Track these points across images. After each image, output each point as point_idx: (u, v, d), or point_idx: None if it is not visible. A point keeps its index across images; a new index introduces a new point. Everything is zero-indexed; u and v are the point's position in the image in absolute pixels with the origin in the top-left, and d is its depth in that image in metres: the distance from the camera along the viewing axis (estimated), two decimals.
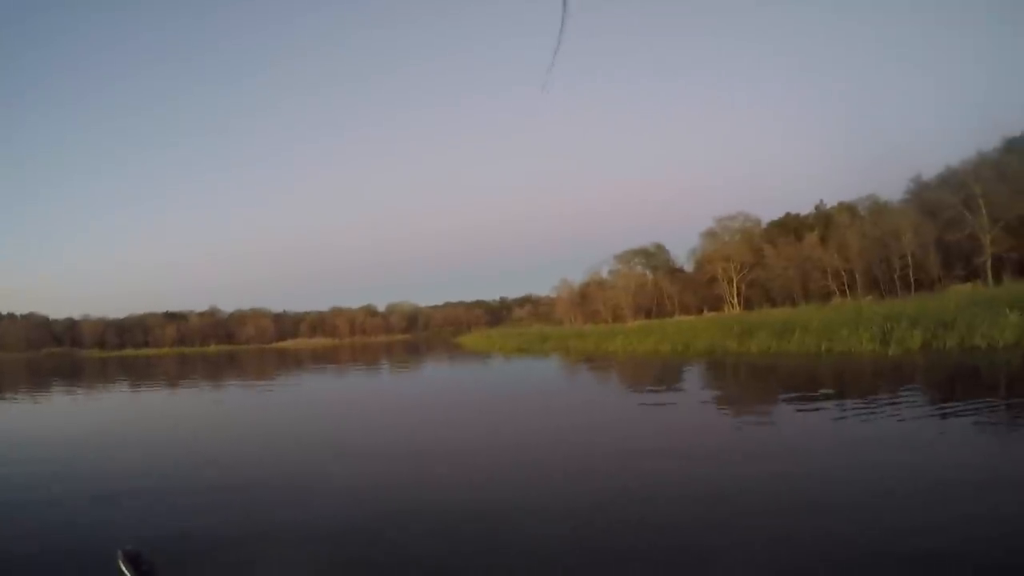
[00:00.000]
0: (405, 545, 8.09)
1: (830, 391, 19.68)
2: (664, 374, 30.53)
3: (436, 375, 43.21)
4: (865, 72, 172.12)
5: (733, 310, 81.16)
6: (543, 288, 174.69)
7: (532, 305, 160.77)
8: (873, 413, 15.18)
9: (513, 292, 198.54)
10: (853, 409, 16.16)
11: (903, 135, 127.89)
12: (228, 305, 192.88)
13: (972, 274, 60.19)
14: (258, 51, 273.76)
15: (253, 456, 14.96)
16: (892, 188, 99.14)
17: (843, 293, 69.62)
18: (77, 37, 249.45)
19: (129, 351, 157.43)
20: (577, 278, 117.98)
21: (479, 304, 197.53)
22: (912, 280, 62.83)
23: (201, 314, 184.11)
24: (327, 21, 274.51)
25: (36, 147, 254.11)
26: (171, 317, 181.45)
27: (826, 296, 70.86)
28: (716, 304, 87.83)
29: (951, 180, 65.13)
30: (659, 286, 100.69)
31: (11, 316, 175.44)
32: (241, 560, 7.94)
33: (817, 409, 16.65)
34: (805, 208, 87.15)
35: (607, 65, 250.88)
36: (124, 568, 2.98)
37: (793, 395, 19.97)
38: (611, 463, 11.88)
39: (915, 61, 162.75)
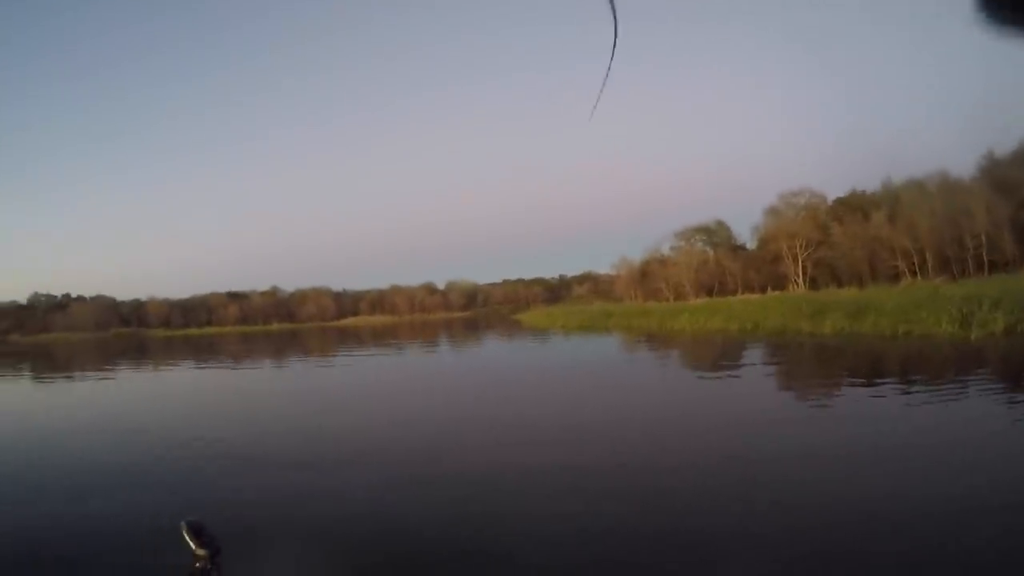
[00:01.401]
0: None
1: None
2: (739, 354, 30.60)
3: (501, 354, 43.71)
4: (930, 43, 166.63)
5: (798, 289, 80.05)
6: (602, 265, 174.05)
7: (592, 282, 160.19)
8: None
9: (572, 269, 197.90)
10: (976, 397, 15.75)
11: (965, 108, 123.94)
12: (289, 284, 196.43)
13: None
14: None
15: (331, 432, 15.77)
16: (963, 164, 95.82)
17: (913, 274, 68.11)
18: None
19: (193, 330, 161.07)
20: (637, 255, 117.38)
21: (538, 281, 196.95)
22: (986, 261, 61.28)
23: (263, 293, 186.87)
24: None
25: (98, 131, 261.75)
26: (233, 297, 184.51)
27: (895, 277, 69.47)
28: (780, 283, 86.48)
29: None
30: (721, 264, 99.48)
31: (80, 298, 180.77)
32: (299, 535, 8.51)
33: (928, 402, 15.87)
34: (871, 185, 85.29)
35: (662, 44, 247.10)
36: (188, 538, 3.29)
37: (886, 381, 19.55)
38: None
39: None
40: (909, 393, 16.82)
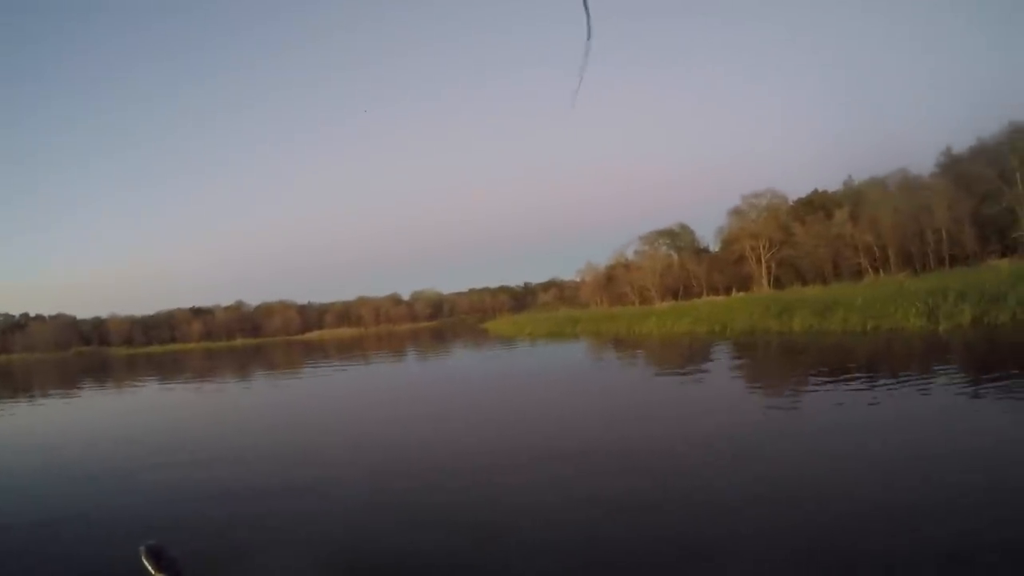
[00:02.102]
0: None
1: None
2: (708, 355, 30.20)
3: (472, 364, 42.24)
4: (883, 46, 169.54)
5: (763, 289, 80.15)
6: (567, 272, 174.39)
7: (557, 289, 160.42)
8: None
9: (537, 277, 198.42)
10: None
11: (923, 109, 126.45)
12: (254, 298, 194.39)
13: (1008, 249, 59.11)
14: (270, 38, 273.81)
15: (291, 449, 15.11)
16: (920, 162, 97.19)
17: (875, 270, 68.60)
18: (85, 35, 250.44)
19: (156, 348, 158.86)
20: (601, 261, 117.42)
21: (503, 290, 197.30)
22: (947, 256, 61.79)
23: (227, 308, 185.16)
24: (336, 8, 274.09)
25: (54, 147, 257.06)
26: (197, 312, 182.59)
27: (858, 274, 69.93)
28: (744, 284, 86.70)
29: (984, 153, 64.07)
30: (685, 267, 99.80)
31: (39, 317, 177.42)
32: (262, 552, 8.09)
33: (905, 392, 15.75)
34: (832, 185, 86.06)
35: (624, 48, 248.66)
36: (147, 563, 2.99)
37: (860, 375, 19.15)
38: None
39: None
40: (886, 386, 16.40)
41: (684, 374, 24.58)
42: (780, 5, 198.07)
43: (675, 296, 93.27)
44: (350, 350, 70.84)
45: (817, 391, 17.30)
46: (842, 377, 18.45)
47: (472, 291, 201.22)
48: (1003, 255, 58.43)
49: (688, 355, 31.71)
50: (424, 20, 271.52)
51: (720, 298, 74.44)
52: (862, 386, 16.84)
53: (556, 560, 7.09)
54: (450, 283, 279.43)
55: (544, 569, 6.95)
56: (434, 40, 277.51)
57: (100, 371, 68.26)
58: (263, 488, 11.56)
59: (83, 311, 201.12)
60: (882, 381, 17.40)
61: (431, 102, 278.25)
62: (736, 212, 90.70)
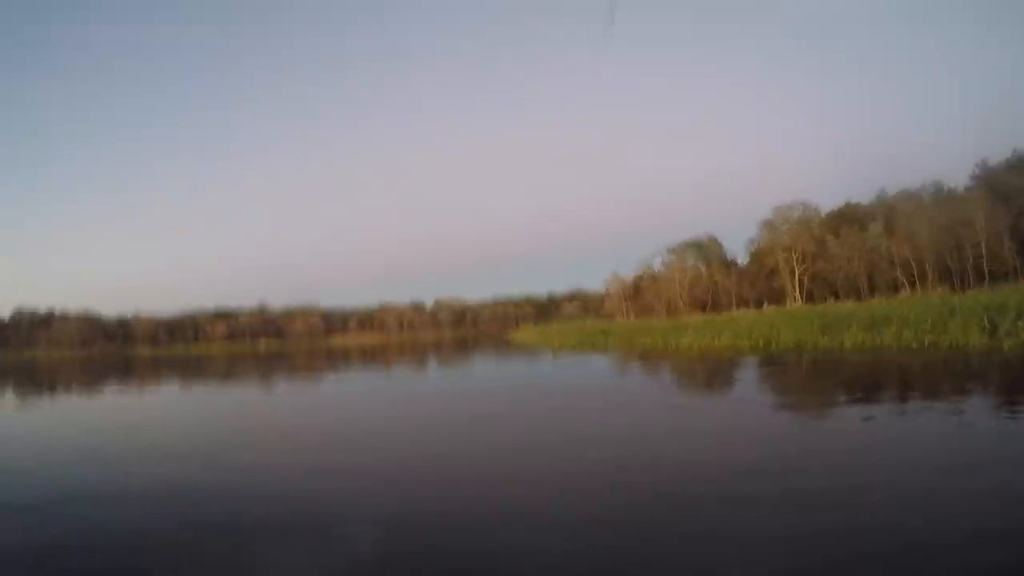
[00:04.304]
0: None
1: None
2: (784, 374, 28.92)
3: (516, 378, 39.04)
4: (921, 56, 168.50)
5: (795, 303, 79.67)
6: (590, 283, 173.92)
7: (581, 300, 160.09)
8: None
9: (560, 287, 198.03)
10: None
11: (954, 120, 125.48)
12: (277, 302, 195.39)
13: None
14: (295, 41, 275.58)
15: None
16: (957, 174, 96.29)
17: (912, 285, 67.81)
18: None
19: (179, 348, 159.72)
20: (626, 272, 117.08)
21: (527, 300, 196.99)
22: (986, 271, 61.06)
23: (250, 312, 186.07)
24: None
25: (80, 144, 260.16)
26: (221, 314, 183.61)
27: (894, 288, 69.33)
28: (775, 297, 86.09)
29: (1021, 165, 63.53)
30: (714, 279, 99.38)
31: (64, 314, 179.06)
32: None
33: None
34: (864, 197, 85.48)
35: (650, 52, 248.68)
36: None
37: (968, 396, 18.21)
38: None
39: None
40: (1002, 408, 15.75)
41: (785, 405, 21.47)
42: (806, 14, 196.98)
43: (703, 309, 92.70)
44: (377, 357, 69.82)
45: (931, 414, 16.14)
46: (939, 399, 17.77)
47: (496, 300, 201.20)
48: None
49: (759, 375, 29.37)
50: (450, 32, 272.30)
51: (753, 312, 73.74)
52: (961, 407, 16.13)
53: None
54: (473, 291, 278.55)
55: None
56: (462, 50, 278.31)
57: (124, 371, 68.08)
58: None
59: (108, 309, 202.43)
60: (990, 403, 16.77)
61: (457, 109, 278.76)
62: (768, 224, 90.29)
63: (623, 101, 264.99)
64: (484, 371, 45.06)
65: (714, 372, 31.99)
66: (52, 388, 47.18)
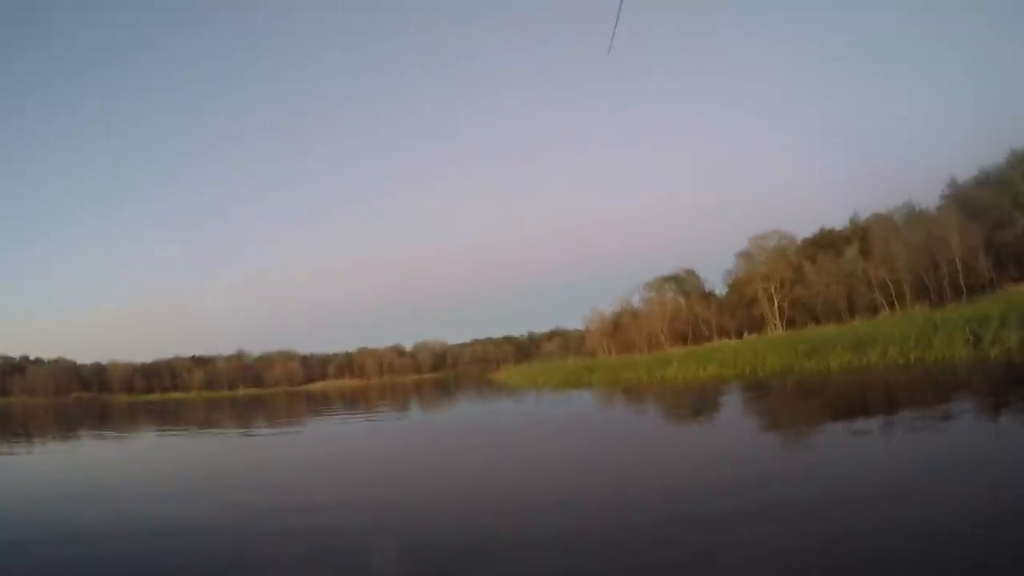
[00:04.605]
0: None
1: None
2: (763, 403, 28.37)
3: (507, 420, 35.07)
4: (871, 83, 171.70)
5: (776, 330, 79.70)
6: (569, 322, 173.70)
7: (561, 338, 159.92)
8: None
9: (540, 327, 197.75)
10: None
11: (920, 144, 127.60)
12: (255, 348, 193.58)
13: None
14: (283, 83, 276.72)
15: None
16: (921, 195, 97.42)
17: (891, 305, 68.05)
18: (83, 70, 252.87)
19: (156, 395, 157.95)
20: (605, 309, 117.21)
21: (507, 340, 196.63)
22: (963, 286, 61.32)
23: (228, 358, 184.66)
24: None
25: (56, 187, 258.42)
26: (198, 361, 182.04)
27: (873, 309, 69.50)
28: (756, 326, 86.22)
29: (992, 180, 64.28)
30: (694, 311, 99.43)
31: (39, 361, 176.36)
32: None
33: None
34: (838, 222, 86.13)
35: (621, 87, 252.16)
36: None
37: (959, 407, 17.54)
38: None
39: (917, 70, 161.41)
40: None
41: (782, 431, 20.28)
42: (777, 49, 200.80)
43: (684, 341, 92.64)
44: (357, 403, 67.95)
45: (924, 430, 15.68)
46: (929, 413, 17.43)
47: (476, 341, 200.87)
48: (1020, 280, 58.25)
49: (746, 403, 28.50)
50: (423, 72, 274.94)
51: (735, 341, 73.78)
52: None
53: None
54: (453, 334, 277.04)
55: None
56: (436, 89, 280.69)
57: (100, 419, 66.32)
58: None
59: (83, 356, 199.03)
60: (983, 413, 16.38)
61: (429, 151, 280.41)
62: (744, 254, 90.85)
63: (593, 141, 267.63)
64: (475, 419, 42.84)
65: (704, 400, 31.28)
66: (28, 436, 45.74)
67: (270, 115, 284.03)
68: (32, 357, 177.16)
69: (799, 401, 27.06)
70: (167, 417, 63.08)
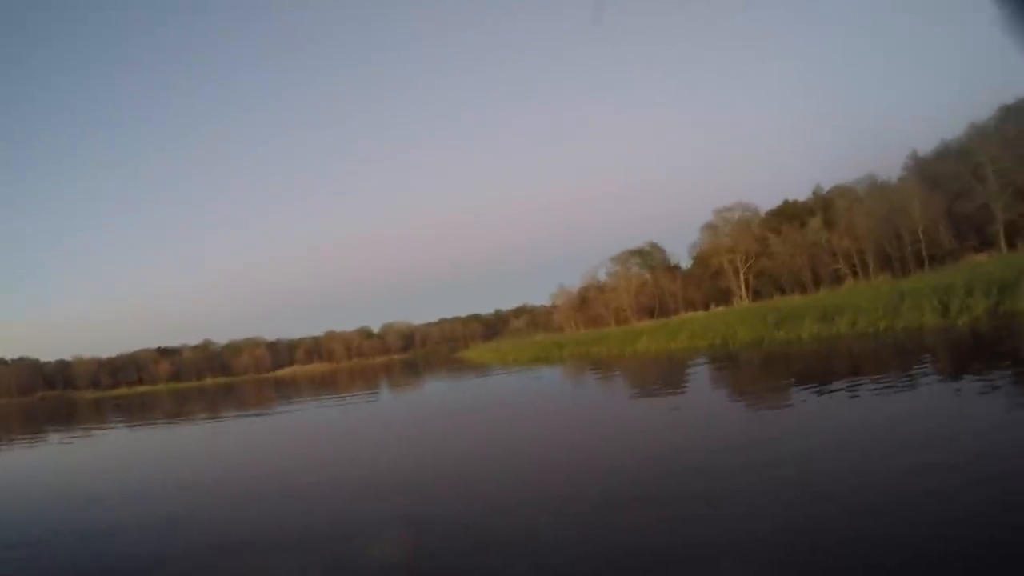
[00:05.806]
0: None
1: None
2: (751, 372, 28.59)
3: (483, 397, 35.40)
4: (841, 56, 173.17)
5: (742, 302, 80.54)
6: (537, 298, 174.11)
7: (528, 315, 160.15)
8: None
9: (507, 304, 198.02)
10: None
11: (883, 116, 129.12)
12: (221, 337, 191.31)
13: (985, 244, 60.03)
14: (257, 68, 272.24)
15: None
16: (883, 167, 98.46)
17: (855, 275, 69.09)
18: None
19: (123, 390, 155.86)
20: (572, 285, 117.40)
21: (474, 318, 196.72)
22: (925, 255, 62.39)
23: (194, 347, 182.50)
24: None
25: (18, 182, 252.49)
26: (164, 352, 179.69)
27: (838, 280, 70.47)
28: (722, 298, 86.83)
29: (952, 152, 65.25)
30: (660, 285, 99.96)
31: (1, 362, 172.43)
32: None
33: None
34: (801, 194, 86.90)
35: (587, 65, 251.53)
36: None
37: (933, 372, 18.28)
38: None
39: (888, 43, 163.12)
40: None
41: (769, 393, 20.73)
42: (740, 22, 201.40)
43: (651, 315, 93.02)
44: (326, 387, 67.58)
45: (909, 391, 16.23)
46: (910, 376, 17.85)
47: (443, 321, 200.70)
48: (980, 250, 59.42)
49: (729, 374, 28.93)
50: (397, 53, 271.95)
51: (703, 313, 74.38)
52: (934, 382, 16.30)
53: None
54: (420, 314, 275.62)
55: None
56: (407, 73, 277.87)
57: (66, 417, 65.52)
58: None
59: (47, 354, 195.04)
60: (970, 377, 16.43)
61: (396, 134, 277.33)
62: (709, 227, 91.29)
63: (557, 119, 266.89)
64: (446, 398, 42.69)
65: (682, 373, 31.24)
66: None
67: (230, 100, 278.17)
68: None
69: (778, 369, 27.42)
70: (135, 412, 62.40)
